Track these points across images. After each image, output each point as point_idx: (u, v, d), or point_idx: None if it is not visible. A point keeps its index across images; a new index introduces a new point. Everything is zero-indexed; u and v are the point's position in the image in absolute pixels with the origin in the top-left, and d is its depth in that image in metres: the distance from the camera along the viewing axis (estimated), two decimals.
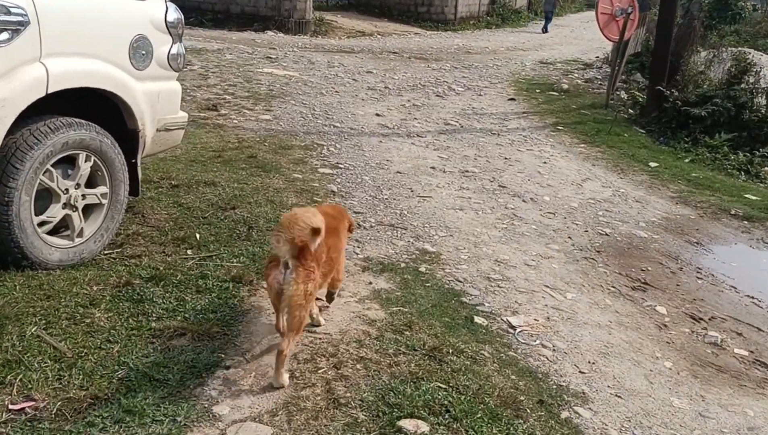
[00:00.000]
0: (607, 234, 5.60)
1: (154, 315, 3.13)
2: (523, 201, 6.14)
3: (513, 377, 3.16)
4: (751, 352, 4.03)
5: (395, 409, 2.61)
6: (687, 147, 9.13)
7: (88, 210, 3.64)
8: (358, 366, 2.89)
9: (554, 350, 3.58)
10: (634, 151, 8.58)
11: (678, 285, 4.83)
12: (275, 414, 2.52)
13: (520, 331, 3.72)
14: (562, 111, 10.65)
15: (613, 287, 4.59)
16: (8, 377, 2.52)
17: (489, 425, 2.64)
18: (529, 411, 2.88)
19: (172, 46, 3.95)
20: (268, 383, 2.70)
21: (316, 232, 2.60)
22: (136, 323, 3.03)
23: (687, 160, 8.62)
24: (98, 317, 3.03)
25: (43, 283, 3.24)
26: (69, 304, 3.09)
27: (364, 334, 3.23)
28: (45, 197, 3.41)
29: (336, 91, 9.85)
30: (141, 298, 3.25)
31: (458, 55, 15.85)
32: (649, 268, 5.02)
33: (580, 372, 3.41)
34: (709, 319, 4.33)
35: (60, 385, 2.54)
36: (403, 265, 4.32)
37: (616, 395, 3.26)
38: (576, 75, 14.29)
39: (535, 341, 3.65)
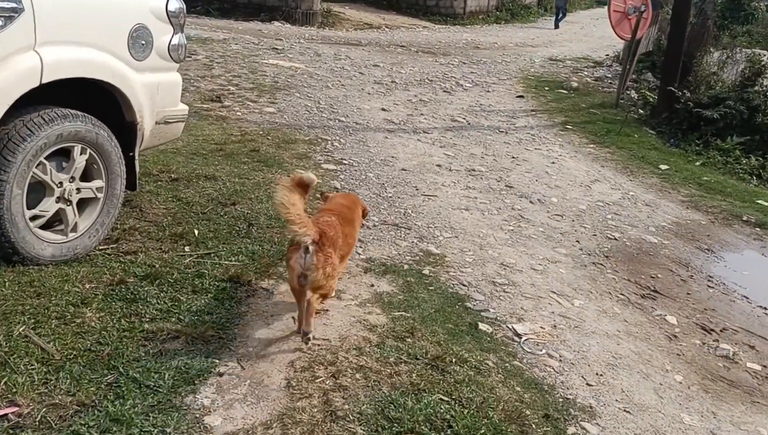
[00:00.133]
0: (616, 238, 5.46)
1: (147, 316, 3.02)
2: (531, 202, 6.01)
3: (518, 389, 3.04)
4: (765, 366, 3.90)
5: (395, 424, 2.50)
6: (698, 149, 8.96)
7: (83, 204, 3.53)
8: (357, 376, 2.78)
9: (561, 360, 3.46)
10: (644, 153, 8.42)
11: (688, 293, 4.70)
12: (269, 427, 2.41)
13: (525, 340, 3.60)
14: (572, 110, 10.48)
15: (622, 295, 4.46)
16: None
17: None
18: (534, 426, 2.76)
19: (173, 36, 3.82)
20: (263, 392, 2.60)
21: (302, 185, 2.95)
22: (129, 324, 2.93)
23: (698, 164, 8.45)
24: (89, 317, 2.93)
25: (33, 280, 3.14)
26: (60, 303, 2.99)
27: (365, 340, 3.11)
28: (38, 190, 3.30)
29: (342, 85, 9.71)
30: (134, 298, 3.15)
31: (466, 50, 15.67)
32: (659, 275, 4.89)
33: (587, 384, 3.29)
34: (721, 331, 4.20)
35: (46, 390, 2.44)
36: (406, 266, 4.20)
37: (624, 410, 3.14)
38: (586, 73, 14.10)
39: (541, 350, 3.53)
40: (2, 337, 2.66)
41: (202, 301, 3.23)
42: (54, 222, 3.44)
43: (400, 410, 2.57)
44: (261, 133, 6.70)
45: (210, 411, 2.45)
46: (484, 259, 4.59)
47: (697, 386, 3.52)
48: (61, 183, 3.34)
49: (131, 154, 3.75)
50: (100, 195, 3.58)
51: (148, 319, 2.99)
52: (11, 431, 2.23)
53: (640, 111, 10.66)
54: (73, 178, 3.40)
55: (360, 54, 12.76)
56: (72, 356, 2.64)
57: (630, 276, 4.79)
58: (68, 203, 3.40)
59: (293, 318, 3.22)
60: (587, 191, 6.63)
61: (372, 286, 3.83)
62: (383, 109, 8.64)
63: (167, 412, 2.38)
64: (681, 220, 6.24)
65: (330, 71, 10.56)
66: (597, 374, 3.40)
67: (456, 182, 6.21)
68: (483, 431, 2.57)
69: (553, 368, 3.37)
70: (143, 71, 3.65)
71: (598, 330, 3.88)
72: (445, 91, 10.49)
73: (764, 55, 10.69)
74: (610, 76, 13.71)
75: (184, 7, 3.90)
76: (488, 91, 11.03)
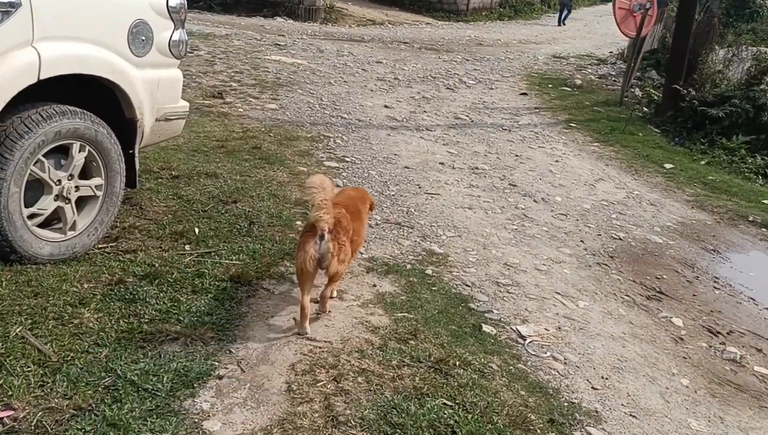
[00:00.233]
0: (620, 238, 5.40)
1: (146, 317, 2.97)
2: (534, 201, 5.95)
3: (522, 393, 2.99)
4: None
5: (398, 430, 2.45)
6: (703, 148, 8.89)
7: (81, 202, 3.48)
8: (359, 379, 2.73)
9: (566, 363, 3.41)
10: (648, 152, 8.35)
11: (694, 295, 4.64)
12: (270, 432, 2.36)
13: (530, 342, 3.55)
14: (575, 107, 10.41)
15: (627, 296, 4.40)
16: None
17: None
18: (539, 431, 2.72)
19: (173, 32, 3.76)
20: (263, 396, 2.55)
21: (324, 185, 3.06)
22: (127, 325, 2.88)
23: (703, 163, 8.38)
24: (87, 318, 2.88)
25: (31, 280, 3.09)
26: (57, 303, 2.94)
27: (367, 342, 3.06)
28: (36, 188, 3.25)
29: (344, 81, 9.65)
30: (133, 298, 3.10)
31: (470, 46, 15.58)
32: (665, 276, 4.83)
33: (592, 388, 3.24)
34: (728, 333, 4.14)
35: (42, 393, 2.39)
36: (409, 266, 4.15)
37: (630, 415, 3.09)
38: (589, 70, 14.02)
39: (546, 353, 3.48)
40: None
41: (202, 302, 3.18)
42: (52, 220, 3.40)
43: (403, 415, 2.52)
44: (263, 129, 6.65)
45: (209, 415, 2.40)
46: (487, 258, 4.54)
47: (704, 390, 3.47)
48: (59, 181, 3.29)
49: (131, 151, 3.70)
50: (99, 193, 3.53)
51: (147, 320, 2.94)
52: None
53: (645, 109, 10.59)
54: (71, 176, 3.35)
55: (363, 50, 12.68)
56: (69, 358, 2.59)
57: (635, 277, 4.73)
58: (67, 201, 3.35)
59: (294, 319, 3.17)
60: (591, 190, 6.57)
61: (374, 286, 3.78)
62: (386, 106, 8.58)
63: (165, 417, 2.33)
64: (686, 220, 6.18)
65: (333, 68, 10.50)
66: (602, 378, 3.35)
67: (459, 180, 6.16)
68: None
69: (557, 371, 3.32)
70: (143, 67, 3.60)
71: (603, 332, 3.83)
72: (448, 88, 10.42)
73: None
74: (614, 73, 13.62)
75: (185, 2, 3.84)
76: (491, 89, 10.96)
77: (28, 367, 2.50)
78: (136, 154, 3.75)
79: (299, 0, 16.35)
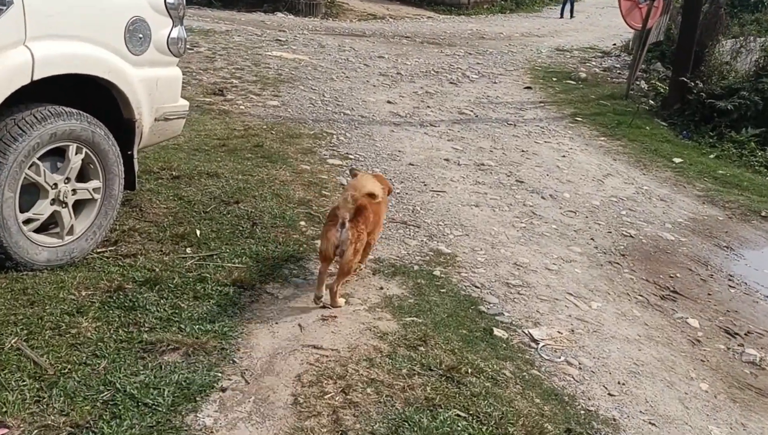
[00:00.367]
0: (631, 236, 5.28)
1: (146, 325, 2.86)
2: (542, 198, 5.83)
3: (537, 401, 2.88)
4: None
5: None
6: (712, 142, 8.74)
7: (79, 206, 3.37)
8: (368, 390, 2.61)
9: (580, 368, 3.30)
10: (656, 146, 8.21)
11: (709, 294, 4.53)
12: None
13: (543, 346, 3.44)
14: (581, 101, 10.27)
15: (641, 296, 4.29)
16: None
17: None
18: None
19: (172, 29, 3.64)
20: (269, 410, 2.44)
21: (371, 195, 3.27)
22: (127, 335, 2.77)
23: (712, 156, 8.24)
24: (85, 327, 2.77)
25: (27, 287, 2.99)
26: (54, 312, 2.84)
27: (375, 350, 2.95)
28: (32, 192, 3.14)
29: (346, 77, 9.51)
30: (133, 305, 2.99)
31: (472, 40, 15.42)
32: (678, 275, 4.71)
33: (609, 394, 3.13)
34: (746, 334, 4.03)
35: (38, 409, 2.28)
36: (416, 267, 4.04)
37: (649, 422, 2.98)
38: (594, 63, 13.85)
39: (560, 357, 3.37)
40: None
41: (204, 308, 3.08)
42: (49, 224, 3.29)
43: (415, 429, 2.41)
44: (265, 127, 6.53)
45: (212, 432, 2.29)
46: (496, 258, 4.42)
47: (724, 395, 3.36)
48: (55, 184, 3.18)
49: (130, 152, 3.59)
50: (97, 196, 3.42)
51: (147, 329, 2.83)
52: None
53: (651, 102, 10.44)
54: (68, 179, 3.24)
55: (364, 45, 12.54)
56: (66, 371, 2.49)
57: (648, 276, 4.62)
58: (64, 205, 3.25)
59: (299, 325, 3.07)
60: (600, 186, 6.44)
61: (381, 288, 3.68)
62: (389, 102, 8.45)
63: (167, 434, 2.22)
64: (697, 216, 6.05)
65: (334, 63, 10.36)
66: (619, 383, 3.24)
67: (465, 177, 6.04)
68: None
69: (572, 377, 3.21)
70: (141, 66, 3.48)
71: (617, 334, 3.72)
72: (451, 83, 10.28)
73: None
74: (618, 66, 13.46)
75: None
76: (495, 83, 10.82)
77: (24, 381, 2.40)
78: (135, 156, 3.64)
79: None
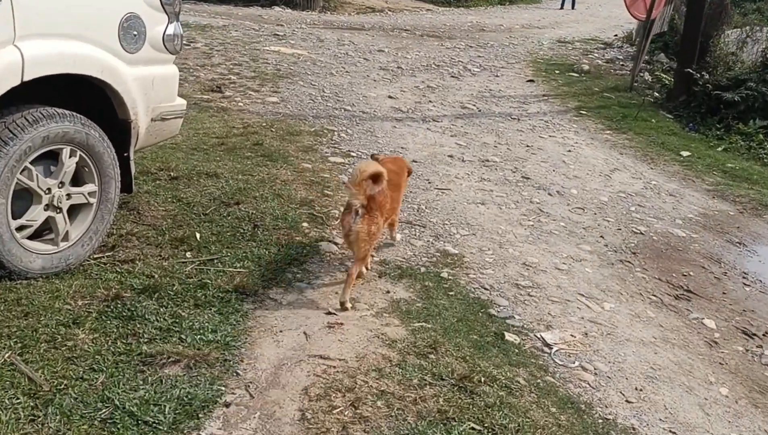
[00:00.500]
0: (642, 232, 5.16)
1: (145, 336, 2.75)
2: (549, 194, 5.71)
3: (553, 410, 2.77)
4: None
5: None
6: (719, 134, 8.60)
7: (74, 211, 3.25)
8: (378, 403, 2.50)
9: (596, 374, 3.19)
10: (663, 139, 8.07)
11: (724, 293, 4.41)
12: None
13: (556, 350, 3.32)
14: (584, 94, 10.12)
15: (654, 296, 4.17)
16: None
17: None
18: None
19: (167, 26, 3.50)
20: (275, 427, 2.32)
21: (374, 177, 3.29)
22: (125, 347, 2.66)
23: (720, 149, 8.11)
24: (82, 339, 2.66)
25: (21, 297, 2.87)
26: (49, 323, 2.72)
27: (384, 359, 2.84)
28: (24, 198, 3.01)
29: (346, 72, 9.36)
30: (132, 315, 2.87)
31: (472, 32, 15.24)
32: (691, 273, 4.60)
33: (626, 401, 3.02)
34: (764, 335, 3.91)
35: (33, 429, 2.17)
36: (423, 269, 3.92)
37: (669, 431, 2.87)
38: (596, 55, 13.68)
39: (574, 362, 3.25)
40: None
41: (206, 317, 2.96)
42: (43, 231, 3.17)
43: None
44: (264, 124, 6.39)
45: None
46: (504, 258, 4.31)
47: (745, 400, 3.25)
48: (49, 189, 3.06)
49: (126, 154, 3.46)
50: (92, 200, 3.30)
51: (146, 340, 2.72)
52: None
53: (656, 94, 10.29)
54: (62, 184, 3.12)
55: (364, 39, 12.37)
56: (62, 386, 2.37)
57: (660, 274, 4.50)
58: (58, 210, 3.12)
59: (305, 333, 2.95)
60: (607, 181, 6.32)
61: (388, 292, 3.56)
62: (390, 97, 8.31)
63: None
64: (708, 211, 5.93)
65: (334, 57, 10.20)
66: (636, 389, 3.13)
67: (470, 174, 5.91)
68: None
69: (588, 383, 3.10)
70: (136, 64, 3.35)
71: (632, 337, 3.60)
72: (452, 77, 10.13)
73: None
74: (621, 57, 13.30)
75: None
76: (497, 76, 10.66)
77: (18, 398, 2.28)
78: (132, 157, 3.51)
79: None
